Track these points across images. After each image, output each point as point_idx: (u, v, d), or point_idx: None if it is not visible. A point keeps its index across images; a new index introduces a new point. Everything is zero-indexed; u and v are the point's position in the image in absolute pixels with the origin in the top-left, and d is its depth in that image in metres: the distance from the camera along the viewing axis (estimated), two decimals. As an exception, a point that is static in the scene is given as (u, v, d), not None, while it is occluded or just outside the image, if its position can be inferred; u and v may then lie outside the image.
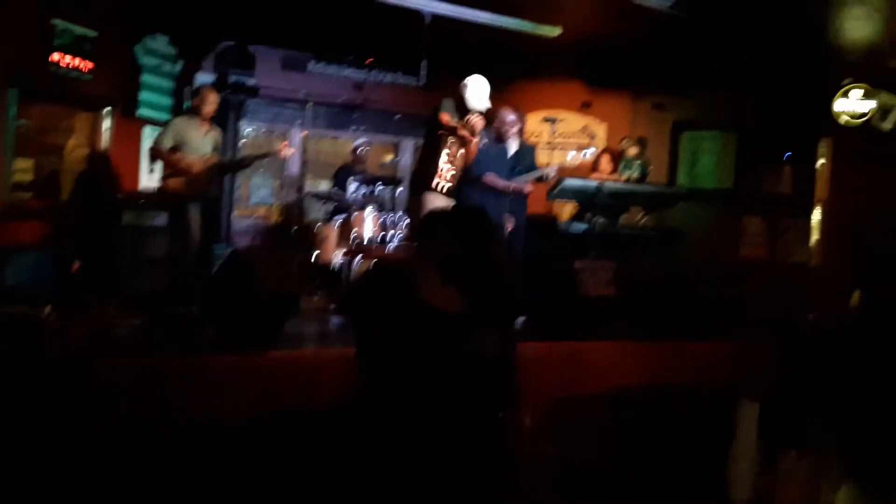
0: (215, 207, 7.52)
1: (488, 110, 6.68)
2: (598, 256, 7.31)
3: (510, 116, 7.24)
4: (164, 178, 7.03)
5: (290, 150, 7.68)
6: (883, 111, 8.93)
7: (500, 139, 7.28)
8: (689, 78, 10.15)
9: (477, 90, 6.45)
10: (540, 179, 7.47)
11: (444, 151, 6.49)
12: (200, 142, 7.06)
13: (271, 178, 10.16)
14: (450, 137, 6.45)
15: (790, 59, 9.02)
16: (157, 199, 7.53)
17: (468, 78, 6.51)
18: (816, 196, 10.02)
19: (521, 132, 7.77)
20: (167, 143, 6.93)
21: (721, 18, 7.61)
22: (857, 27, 7.94)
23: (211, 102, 7.12)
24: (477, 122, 6.44)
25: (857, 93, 9.02)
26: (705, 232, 9.52)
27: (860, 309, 8.73)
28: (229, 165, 8.01)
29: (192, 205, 7.02)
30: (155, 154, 7.05)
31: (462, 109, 6.49)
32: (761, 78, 9.59)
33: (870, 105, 8.91)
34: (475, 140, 6.49)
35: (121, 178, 8.41)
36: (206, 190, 7.16)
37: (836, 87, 9.09)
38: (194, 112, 7.16)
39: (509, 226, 7.12)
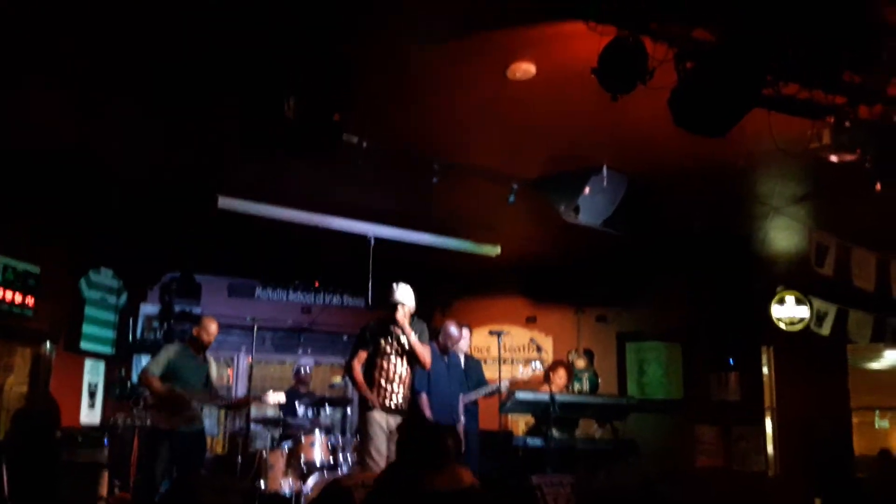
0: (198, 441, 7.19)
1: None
2: (556, 470, 7.14)
3: (452, 330, 7.33)
4: (149, 406, 6.80)
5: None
6: (818, 317, 9.21)
7: (444, 352, 7.35)
8: (628, 291, 10.47)
9: (399, 290, 6.41)
10: (492, 393, 7.54)
11: (377, 366, 6.40)
12: (194, 373, 6.89)
13: (216, 407, 9.88)
14: (381, 351, 6.38)
15: (725, 269, 9.38)
16: (146, 430, 7.27)
17: (395, 284, 6.50)
18: (766, 404, 10.11)
19: (467, 346, 7.89)
20: (158, 372, 6.74)
21: (653, 234, 7.97)
22: (782, 237, 8.35)
23: (211, 332, 6.99)
24: (402, 315, 6.31)
25: (791, 299, 9.34)
26: (660, 442, 9.44)
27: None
28: (222, 403, 7.77)
29: (170, 441, 6.73)
30: (144, 381, 6.82)
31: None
32: (698, 288, 9.91)
33: (805, 311, 9.20)
34: (408, 335, 6.32)
35: (60, 414, 8.13)
36: (189, 425, 6.87)
37: (771, 295, 9.43)
38: (191, 341, 7.01)
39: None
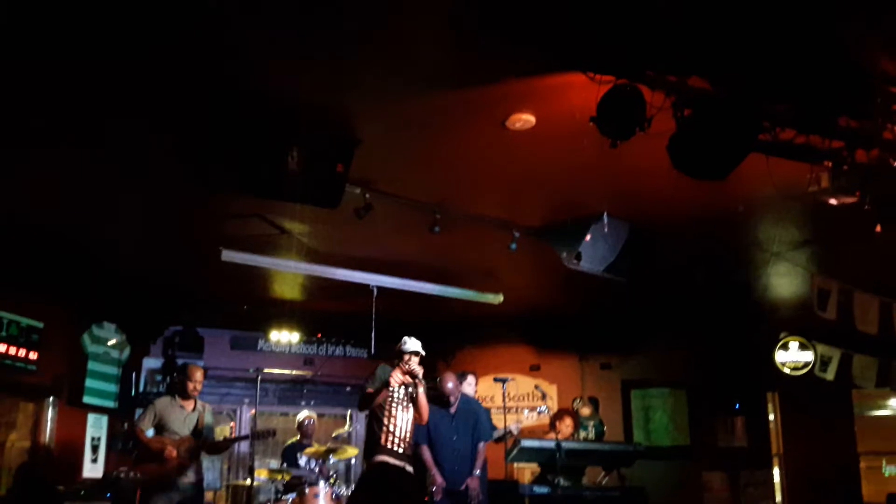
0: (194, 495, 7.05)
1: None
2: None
3: (449, 385, 7.26)
4: (139, 460, 6.76)
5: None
6: (822, 362, 9.18)
7: (444, 404, 7.29)
8: (631, 338, 10.44)
9: (411, 341, 6.41)
10: (502, 438, 7.50)
11: (386, 412, 6.36)
12: (181, 422, 6.85)
13: (219, 459, 9.78)
14: (389, 399, 6.37)
15: (728, 315, 9.37)
16: (131, 483, 7.19)
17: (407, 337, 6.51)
18: (773, 450, 10.03)
19: (473, 392, 7.84)
20: (147, 425, 6.75)
21: (657, 281, 7.96)
22: (783, 282, 8.35)
23: (196, 380, 6.95)
24: (415, 364, 6.26)
25: (794, 344, 9.33)
26: (668, 489, 9.35)
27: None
28: (207, 448, 7.67)
29: (163, 493, 6.64)
30: (131, 435, 6.89)
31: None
32: (702, 335, 9.90)
33: (809, 356, 9.18)
34: (420, 385, 6.27)
35: (63, 469, 8.08)
36: (180, 476, 6.74)
37: (774, 340, 9.42)
38: (178, 391, 6.99)
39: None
